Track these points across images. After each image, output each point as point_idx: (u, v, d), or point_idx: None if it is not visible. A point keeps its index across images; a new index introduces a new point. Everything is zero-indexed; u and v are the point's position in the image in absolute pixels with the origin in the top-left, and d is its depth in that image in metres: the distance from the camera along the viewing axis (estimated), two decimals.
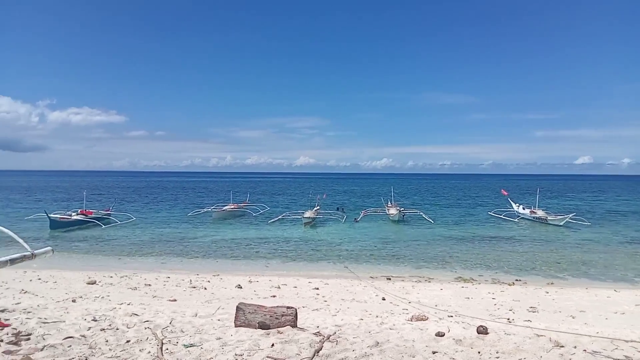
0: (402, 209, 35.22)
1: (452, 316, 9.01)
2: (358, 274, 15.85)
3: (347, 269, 17.07)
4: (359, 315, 8.58)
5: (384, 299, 11.72)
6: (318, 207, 35.05)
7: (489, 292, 12.81)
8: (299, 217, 32.21)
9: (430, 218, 32.99)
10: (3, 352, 4.20)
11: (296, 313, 6.00)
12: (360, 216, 34.49)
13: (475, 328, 6.08)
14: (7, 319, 5.89)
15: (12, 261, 6.96)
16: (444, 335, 5.78)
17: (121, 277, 14.38)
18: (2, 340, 4.50)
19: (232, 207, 37.26)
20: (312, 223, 30.56)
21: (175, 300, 10.41)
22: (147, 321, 6.54)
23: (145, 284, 13.10)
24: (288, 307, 6.04)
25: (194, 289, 12.65)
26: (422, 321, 7.50)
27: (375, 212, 36.99)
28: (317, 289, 13.06)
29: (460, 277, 15.93)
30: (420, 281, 15.09)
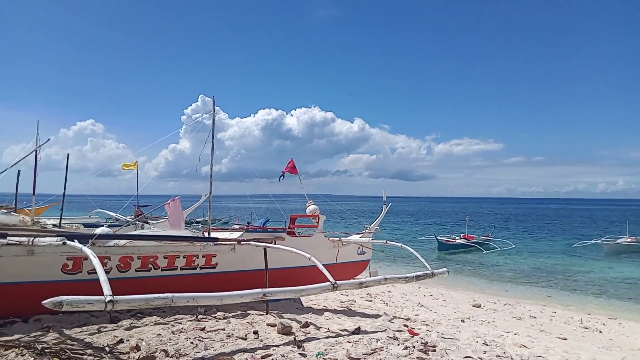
0: None
1: None
2: None
3: None
4: None
5: None
6: None
7: None
8: None
9: None
10: (417, 358, 4.83)
11: None
12: None
13: None
14: (413, 328, 6.79)
15: (418, 277, 8.07)
16: None
17: (504, 304, 14.37)
18: (414, 347, 5.19)
19: (629, 240, 31.68)
20: None
21: (565, 339, 9.57)
22: (540, 357, 6.26)
23: (530, 316, 12.62)
24: None
25: (586, 330, 11.33)
26: None
27: None
28: None
29: None
30: None
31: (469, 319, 11.22)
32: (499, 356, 5.40)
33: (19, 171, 14.11)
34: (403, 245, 9.83)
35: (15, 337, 4.94)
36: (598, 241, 32.15)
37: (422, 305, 12.82)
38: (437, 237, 30.77)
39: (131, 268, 6.74)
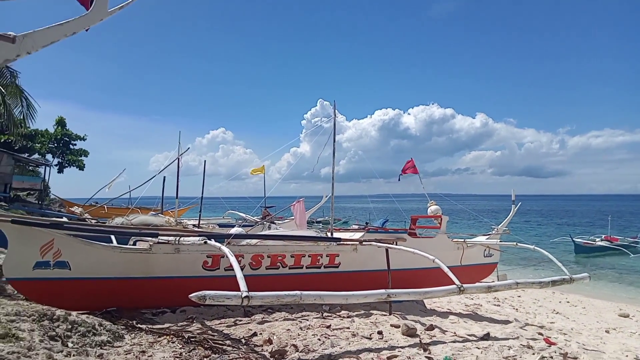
0: None
1: None
2: None
3: None
4: None
5: None
6: None
7: None
8: None
9: None
10: None
11: None
12: None
13: None
14: (549, 337, 6.29)
15: (554, 283, 7.48)
16: None
17: None
18: (552, 358, 4.82)
19: None
20: None
21: None
22: None
23: None
24: None
25: None
26: None
27: None
28: None
29: None
30: None
31: (614, 329, 10.06)
32: None
33: (164, 177, 15.84)
34: (536, 247, 9.17)
35: (166, 325, 5.57)
36: None
37: (557, 312, 11.79)
38: (574, 239, 28.04)
39: (262, 266, 7.21)
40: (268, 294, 4.72)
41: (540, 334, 6.67)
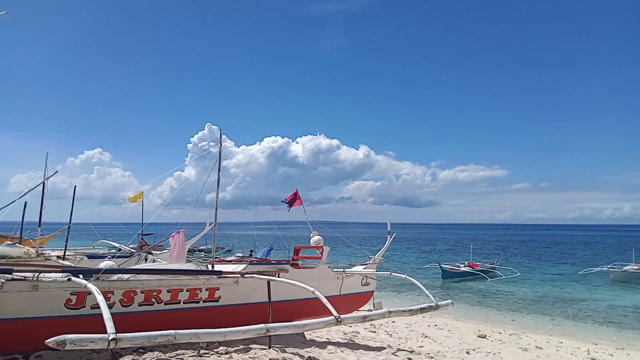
0: None
1: None
2: None
3: None
4: None
5: None
6: None
7: None
8: None
9: None
10: None
11: None
12: None
13: None
14: None
15: (422, 310, 8.04)
16: None
17: (510, 334, 14.19)
18: None
19: (636, 267, 31.33)
20: None
21: None
22: None
23: (536, 347, 12.45)
24: None
25: None
26: None
27: None
28: None
29: None
30: None
31: (474, 350, 11.08)
32: None
33: (25, 203, 14.23)
34: (407, 276, 9.83)
35: None
36: (604, 268, 31.78)
37: (426, 336, 12.67)
38: (441, 265, 30.56)
39: (134, 302, 6.76)
40: (138, 335, 4.44)
41: (409, 359, 7.11)
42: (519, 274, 31.55)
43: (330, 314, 6.38)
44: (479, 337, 13.35)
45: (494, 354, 10.95)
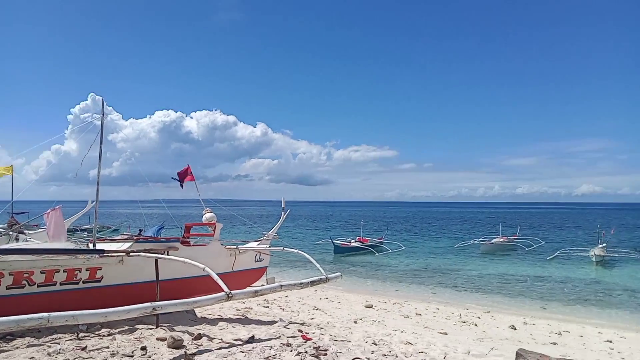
0: None
1: None
2: None
3: None
4: None
5: None
6: (605, 244, 29.79)
7: None
8: (583, 254, 28.21)
9: None
10: None
11: None
12: None
13: None
14: (307, 333, 6.96)
15: (312, 283, 8.28)
16: None
17: (394, 303, 15.21)
18: (307, 352, 5.34)
19: (502, 239, 35.28)
20: (603, 262, 26.30)
21: (446, 334, 10.40)
22: (422, 352, 6.75)
23: (416, 313, 13.51)
24: None
25: (464, 324, 12.40)
26: None
27: None
28: (611, 342, 11.11)
29: None
30: None
31: (361, 319, 11.71)
32: (385, 355, 5.74)
33: None
34: (299, 251, 10.04)
35: None
36: (476, 241, 35.37)
37: (317, 309, 13.12)
38: (333, 241, 31.70)
39: (1, 285, 6.12)
40: (4, 320, 4.04)
41: (300, 330, 7.31)
42: (403, 248, 33.82)
43: (222, 290, 6.33)
44: (366, 307, 14.13)
45: (379, 322, 11.67)
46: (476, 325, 12.29)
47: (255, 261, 11.07)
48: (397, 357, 5.84)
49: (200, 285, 7.82)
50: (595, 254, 26.62)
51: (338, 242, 32.23)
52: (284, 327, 7.59)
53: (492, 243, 33.97)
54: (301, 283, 7.84)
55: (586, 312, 15.77)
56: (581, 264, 26.57)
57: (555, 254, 29.73)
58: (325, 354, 5.37)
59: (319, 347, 5.65)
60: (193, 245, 9.68)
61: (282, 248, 10.83)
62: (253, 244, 11.44)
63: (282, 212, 12.52)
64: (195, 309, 8.88)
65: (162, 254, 7.56)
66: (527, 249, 33.55)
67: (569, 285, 20.45)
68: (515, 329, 12.05)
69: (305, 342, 5.91)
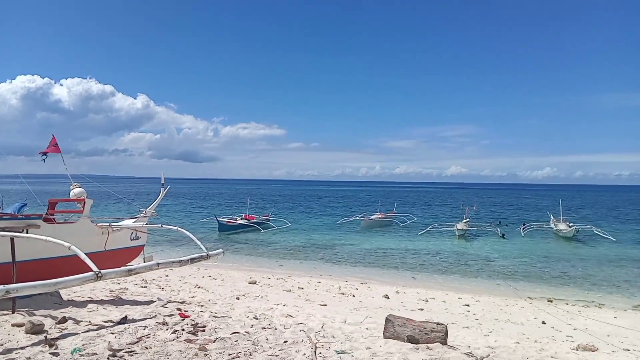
0: (572, 224, 31.21)
1: (628, 350, 7.87)
2: (516, 293, 14.73)
3: (502, 286, 15.97)
4: (515, 338, 7.97)
5: (544, 322, 10.72)
6: (467, 220, 33.29)
7: None
8: (449, 228, 31.16)
9: (609, 235, 28.63)
10: (185, 340, 4.85)
11: (446, 330, 5.83)
12: (522, 229, 32.11)
13: None
14: (186, 311, 6.78)
15: (192, 260, 8.03)
16: None
17: (277, 279, 15.47)
18: (184, 330, 5.20)
19: (380, 216, 37.56)
20: (464, 235, 29.30)
21: (325, 305, 10.85)
22: (301, 323, 6.94)
23: (299, 287, 13.89)
24: (438, 324, 5.89)
25: (343, 295, 13.04)
26: (591, 352, 6.70)
27: (541, 227, 33.68)
28: (468, 305, 12.48)
29: None
30: (588, 306, 13.44)
31: (244, 295, 11.73)
32: (265, 328, 5.81)
33: None
34: (179, 228, 9.68)
35: None
36: (357, 217, 37.21)
37: (199, 287, 12.85)
38: (218, 219, 31.18)
39: None
40: None
41: (178, 309, 7.10)
42: (289, 224, 34.42)
43: (90, 269, 5.87)
44: (249, 283, 14.19)
45: (262, 297, 11.80)
46: (354, 296, 12.99)
47: (131, 239, 10.47)
48: (276, 329, 5.95)
49: (69, 265, 7.18)
50: (458, 228, 29.69)
51: (223, 219, 31.77)
52: (162, 306, 7.32)
53: (371, 219, 36.00)
54: (180, 260, 7.56)
55: (450, 280, 17.48)
56: (447, 238, 29.33)
57: (425, 229, 32.42)
58: (204, 330, 5.28)
59: (197, 324, 5.54)
60: (58, 222, 8.84)
61: (160, 225, 10.37)
62: (129, 222, 10.79)
63: (162, 188, 11.96)
64: (61, 292, 8.18)
65: (21, 232, 6.80)
66: (402, 225, 36.12)
67: (437, 257, 22.48)
68: (388, 298, 12.96)
69: (182, 319, 5.76)
